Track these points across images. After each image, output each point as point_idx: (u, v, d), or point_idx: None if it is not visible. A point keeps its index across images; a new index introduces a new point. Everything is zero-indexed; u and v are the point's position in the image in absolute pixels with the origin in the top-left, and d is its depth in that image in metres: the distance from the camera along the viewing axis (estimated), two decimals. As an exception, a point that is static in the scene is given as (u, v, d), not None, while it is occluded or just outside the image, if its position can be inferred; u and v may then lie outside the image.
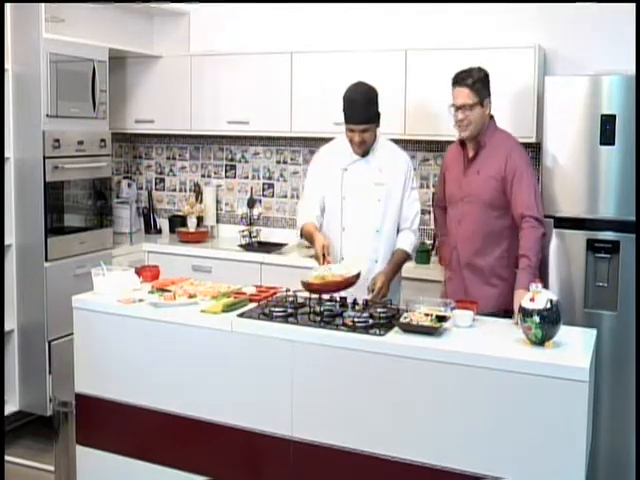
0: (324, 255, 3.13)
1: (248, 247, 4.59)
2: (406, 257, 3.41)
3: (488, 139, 3.23)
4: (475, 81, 3.17)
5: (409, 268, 3.84)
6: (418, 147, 4.46)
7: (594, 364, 2.59)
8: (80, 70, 4.22)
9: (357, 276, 3.00)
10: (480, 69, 3.23)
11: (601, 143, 3.48)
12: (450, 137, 4.13)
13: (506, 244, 3.21)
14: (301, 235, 3.44)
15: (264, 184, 5.00)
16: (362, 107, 3.23)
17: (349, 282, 2.97)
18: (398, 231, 3.42)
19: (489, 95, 3.23)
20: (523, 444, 2.40)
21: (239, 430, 2.82)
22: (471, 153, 3.27)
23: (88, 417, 3.14)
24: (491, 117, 3.28)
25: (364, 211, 3.33)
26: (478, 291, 3.21)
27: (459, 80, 3.20)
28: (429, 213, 4.45)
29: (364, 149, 3.32)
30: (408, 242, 3.39)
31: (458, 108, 3.19)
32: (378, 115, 3.29)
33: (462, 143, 3.32)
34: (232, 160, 5.10)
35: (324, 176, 3.41)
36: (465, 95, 3.17)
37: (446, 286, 3.43)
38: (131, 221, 5.09)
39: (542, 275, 3.13)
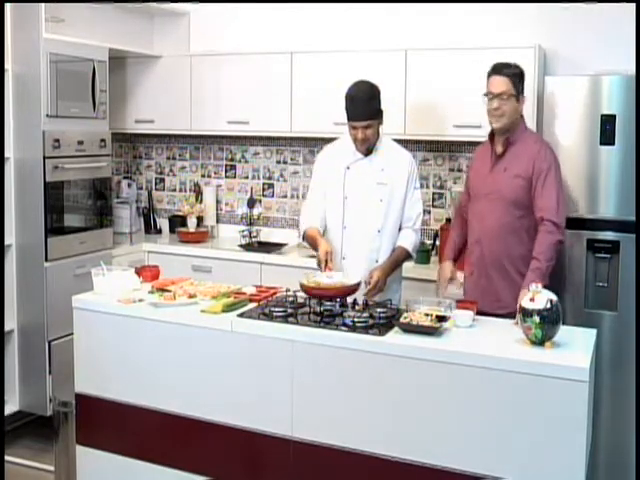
0: (327, 261, 3.12)
1: (248, 247, 4.59)
2: (406, 255, 3.40)
3: (518, 137, 3.20)
4: (514, 73, 3.16)
5: (409, 268, 3.84)
6: (418, 147, 4.46)
7: (594, 364, 2.59)
8: (80, 70, 4.22)
9: (357, 285, 2.99)
10: (517, 65, 3.22)
11: (601, 143, 3.48)
12: (450, 137, 4.16)
13: (530, 244, 3.15)
14: (303, 238, 3.44)
15: (264, 184, 5.00)
16: (364, 103, 3.23)
17: (348, 290, 2.95)
18: (400, 231, 3.42)
19: (523, 92, 3.20)
20: (523, 444, 2.40)
21: (239, 430, 2.82)
22: (500, 150, 3.23)
23: (88, 417, 3.15)
24: (521, 116, 3.25)
25: (366, 210, 3.33)
26: (500, 289, 3.18)
27: (498, 68, 3.18)
28: (429, 213, 4.45)
29: (367, 146, 3.32)
30: (409, 241, 3.39)
31: (495, 96, 3.14)
32: (380, 112, 3.29)
33: (491, 139, 3.27)
34: (232, 160, 5.10)
35: (327, 175, 3.41)
36: (503, 83, 3.14)
37: (466, 285, 3.35)
38: (131, 221, 5.09)
39: (552, 278, 3.08)
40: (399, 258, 3.38)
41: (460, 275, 3.35)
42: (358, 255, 3.31)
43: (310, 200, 3.50)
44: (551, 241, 3.05)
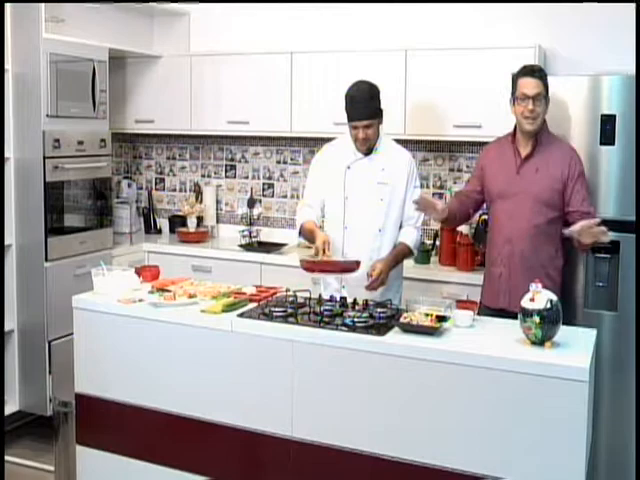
0: (324, 250, 3.12)
1: (248, 247, 4.59)
2: (407, 251, 3.40)
3: (545, 138, 3.23)
4: (544, 76, 3.21)
5: (409, 268, 3.84)
6: (418, 147, 4.46)
7: (594, 364, 2.59)
8: (80, 70, 4.22)
9: (356, 263, 2.99)
10: (541, 67, 3.28)
11: (601, 143, 3.48)
12: (450, 137, 4.16)
13: (558, 245, 3.20)
14: (300, 233, 3.44)
15: (264, 184, 5.01)
16: (364, 103, 3.24)
17: (347, 267, 2.96)
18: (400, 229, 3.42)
19: (549, 93, 3.24)
20: (523, 444, 2.40)
21: (239, 430, 2.82)
22: (527, 150, 3.23)
23: (88, 417, 3.15)
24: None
25: (367, 210, 3.33)
26: (527, 289, 3.15)
27: (530, 71, 3.21)
28: (429, 213, 4.45)
29: (367, 146, 3.32)
30: (410, 237, 3.39)
31: (531, 98, 3.16)
32: (381, 111, 3.29)
33: (513, 139, 3.28)
34: (232, 160, 5.10)
35: (326, 175, 3.41)
36: (537, 85, 3.17)
37: (494, 283, 3.30)
38: (131, 221, 5.09)
39: (553, 281, 3.13)
40: (401, 253, 3.37)
41: (439, 202, 3.24)
42: (359, 255, 3.31)
43: (306, 197, 3.50)
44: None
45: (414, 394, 2.56)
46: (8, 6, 3.93)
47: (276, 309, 2.88)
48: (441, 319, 2.69)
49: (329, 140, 3.63)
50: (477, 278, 3.64)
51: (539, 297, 2.53)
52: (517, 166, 3.24)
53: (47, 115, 3.98)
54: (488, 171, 3.37)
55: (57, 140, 4.03)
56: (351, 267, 3.00)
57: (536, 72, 3.21)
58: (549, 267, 3.20)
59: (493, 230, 3.35)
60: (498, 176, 3.32)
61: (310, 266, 2.93)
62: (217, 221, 5.12)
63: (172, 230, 5.11)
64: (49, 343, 4.04)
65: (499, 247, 3.28)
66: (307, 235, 3.36)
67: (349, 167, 3.35)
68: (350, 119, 3.28)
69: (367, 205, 3.33)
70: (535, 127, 3.20)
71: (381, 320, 2.76)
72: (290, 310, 2.88)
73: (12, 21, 3.96)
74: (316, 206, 3.41)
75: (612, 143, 3.45)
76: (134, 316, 3.01)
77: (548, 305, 2.50)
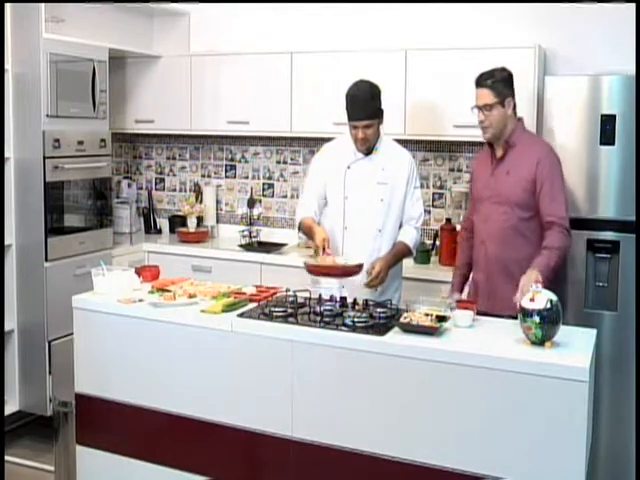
0: (324, 248, 3.12)
1: (248, 247, 4.59)
2: (407, 250, 3.40)
3: (517, 139, 3.19)
4: (495, 81, 3.15)
5: (409, 268, 3.84)
6: (418, 147, 4.46)
7: (594, 364, 2.59)
8: (80, 70, 4.22)
9: (358, 267, 2.99)
10: (503, 69, 3.21)
11: (601, 143, 3.48)
12: (450, 137, 4.16)
13: (535, 245, 3.13)
14: (299, 229, 3.44)
15: (264, 184, 5.01)
16: (364, 103, 3.23)
17: (351, 270, 2.96)
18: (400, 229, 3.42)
19: (512, 95, 3.18)
20: (523, 444, 2.40)
21: (239, 430, 2.82)
22: (500, 153, 3.22)
23: (88, 417, 3.14)
24: (519, 119, 3.24)
25: (366, 210, 3.33)
26: (506, 291, 3.08)
27: (479, 81, 3.19)
28: (429, 213, 4.45)
29: (367, 146, 3.32)
30: (410, 237, 3.39)
31: (479, 109, 3.17)
32: (381, 111, 3.29)
33: (490, 144, 3.27)
34: (232, 160, 5.10)
35: (326, 174, 3.41)
36: (485, 95, 3.15)
37: (477, 288, 3.30)
38: (131, 221, 5.09)
39: (556, 278, 3.07)
40: (400, 252, 3.37)
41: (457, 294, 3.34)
42: (359, 255, 3.31)
43: (305, 195, 3.50)
44: (567, 244, 3.07)
45: (414, 394, 2.56)
46: (8, 6, 3.93)
47: (276, 309, 2.88)
48: (441, 319, 2.69)
49: (329, 140, 3.62)
50: (477, 278, 3.63)
51: (539, 297, 2.53)
52: (492, 169, 3.24)
53: (47, 115, 3.98)
54: (474, 178, 3.41)
55: (57, 140, 4.03)
56: (354, 270, 2.99)
57: (483, 81, 3.17)
58: (526, 267, 3.07)
59: (474, 234, 3.34)
60: (478, 182, 3.34)
61: (314, 269, 2.93)
62: (217, 221, 5.12)
63: (172, 230, 5.11)
64: (49, 343, 4.04)
65: (476, 251, 3.30)
66: (306, 231, 3.36)
67: (349, 167, 3.35)
68: (350, 119, 3.28)
69: (367, 205, 3.33)
70: (489, 135, 3.19)
71: (381, 320, 2.76)
72: (290, 310, 2.88)
73: (12, 21, 3.96)
74: (314, 204, 3.40)
75: (612, 143, 3.45)
76: (134, 316, 3.01)
77: (548, 305, 2.50)
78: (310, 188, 3.48)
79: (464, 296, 3.33)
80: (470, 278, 3.38)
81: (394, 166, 3.36)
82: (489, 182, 3.23)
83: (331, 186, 3.38)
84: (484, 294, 3.20)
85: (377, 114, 3.27)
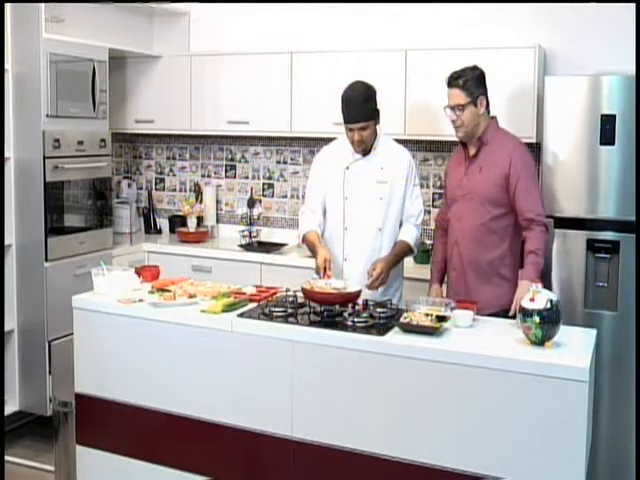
0: (325, 269, 3.11)
1: (248, 247, 4.59)
2: (408, 249, 3.39)
3: (490, 137, 3.21)
4: (466, 80, 3.16)
5: (409, 268, 3.84)
6: (418, 147, 4.46)
7: (594, 364, 2.59)
8: (80, 70, 4.22)
9: (357, 293, 2.96)
10: (474, 68, 3.21)
11: (601, 143, 3.48)
12: (450, 137, 4.15)
13: (508, 243, 3.19)
14: (303, 241, 3.44)
15: (264, 184, 5.01)
16: (359, 106, 3.24)
17: (349, 297, 2.93)
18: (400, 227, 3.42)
19: (484, 94, 3.19)
20: (523, 444, 2.40)
21: (239, 430, 2.82)
22: (473, 151, 3.25)
23: (88, 417, 3.14)
24: (493, 117, 3.26)
25: (366, 210, 3.33)
26: (480, 290, 3.18)
27: (450, 81, 3.20)
28: (429, 213, 4.45)
29: (364, 148, 3.32)
30: (410, 235, 3.39)
31: (451, 109, 3.19)
32: (377, 112, 3.29)
33: (463, 143, 3.30)
34: (232, 160, 5.10)
35: (326, 176, 3.41)
36: (456, 95, 3.17)
37: (448, 286, 3.39)
38: (131, 221, 5.09)
39: (544, 276, 3.14)
40: (401, 252, 3.37)
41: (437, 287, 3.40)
42: (360, 255, 3.32)
43: (308, 202, 3.48)
44: (546, 238, 3.11)
45: (414, 394, 2.56)
46: (8, 6, 3.93)
47: (276, 309, 2.88)
48: (441, 319, 2.69)
49: (329, 140, 3.62)
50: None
51: (539, 297, 2.53)
52: (465, 167, 3.26)
53: (47, 115, 3.98)
54: (448, 178, 3.43)
55: (57, 140, 4.03)
56: (352, 297, 2.95)
57: (454, 80, 3.18)
58: (500, 266, 3.18)
59: (448, 234, 3.36)
60: (452, 180, 3.36)
61: (311, 295, 2.90)
62: (217, 221, 5.12)
63: (172, 230, 5.11)
64: (49, 343, 4.04)
65: (450, 250, 3.32)
66: (309, 247, 3.36)
67: (347, 168, 3.35)
68: (345, 122, 3.28)
69: (366, 204, 3.33)
70: (462, 134, 3.22)
71: (381, 320, 2.76)
72: (290, 310, 2.88)
73: (12, 21, 3.96)
74: (318, 210, 3.40)
75: (612, 143, 3.45)
76: (134, 316, 3.01)
77: (548, 305, 2.50)
78: (312, 192, 3.47)
79: (444, 287, 3.38)
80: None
81: (393, 165, 3.36)
82: (462, 181, 3.25)
83: (331, 188, 3.38)
84: (459, 294, 3.20)
85: (372, 115, 3.27)
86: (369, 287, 3.17)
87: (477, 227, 3.19)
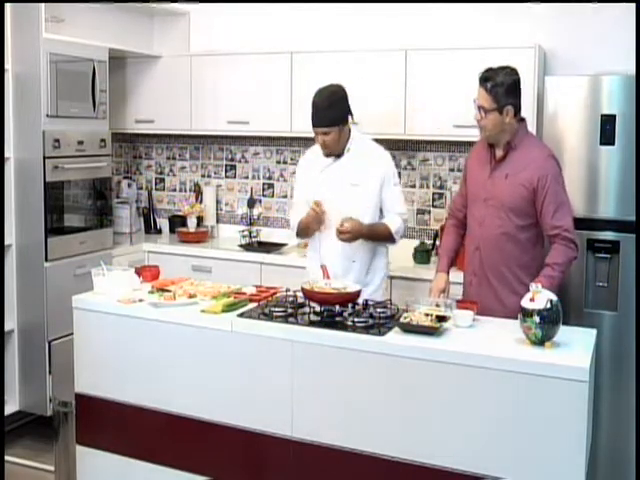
0: (318, 209, 3.25)
1: (248, 247, 4.59)
2: (386, 233, 3.37)
3: (519, 142, 3.05)
4: (495, 85, 2.98)
5: (409, 268, 3.84)
6: (418, 147, 4.46)
7: (594, 364, 2.59)
8: (80, 70, 4.22)
9: (357, 293, 2.96)
10: (509, 71, 3.03)
11: (601, 143, 3.48)
12: (450, 137, 4.16)
13: (532, 253, 3.07)
14: (297, 234, 3.51)
15: (264, 184, 5.01)
16: (322, 111, 3.28)
17: (349, 297, 2.93)
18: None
19: (513, 103, 3.00)
20: (523, 444, 2.40)
21: (239, 430, 2.82)
22: (500, 153, 3.09)
23: (88, 417, 3.14)
24: (522, 119, 3.09)
25: (341, 212, 3.31)
26: (507, 299, 3.06)
27: (480, 79, 3.04)
28: (428, 213, 4.46)
29: (328, 152, 3.37)
30: (393, 222, 3.39)
31: (476, 107, 3.04)
32: (343, 117, 3.30)
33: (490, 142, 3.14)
34: (232, 160, 5.10)
35: (305, 181, 3.49)
36: (482, 97, 3.02)
37: (467, 290, 3.26)
38: (131, 221, 5.09)
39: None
40: (378, 229, 3.37)
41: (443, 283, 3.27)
42: (335, 257, 3.35)
43: (294, 205, 3.59)
44: (570, 256, 2.98)
45: (414, 394, 2.56)
46: (8, 6, 3.93)
47: (276, 309, 2.88)
48: (441, 319, 2.69)
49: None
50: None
51: (539, 297, 2.53)
52: (490, 170, 3.12)
53: (47, 115, 3.98)
54: (469, 172, 3.28)
55: (57, 140, 4.03)
56: (352, 297, 2.95)
57: (484, 81, 3.01)
58: (523, 275, 3.05)
59: (467, 236, 3.27)
60: (474, 179, 3.21)
61: (311, 295, 2.90)
62: (217, 221, 5.12)
63: (172, 230, 5.11)
64: (49, 343, 4.04)
65: (470, 255, 3.22)
66: (302, 227, 3.43)
67: (322, 171, 3.40)
68: (312, 125, 3.32)
69: (341, 207, 3.32)
70: (485, 136, 3.09)
71: (381, 320, 2.76)
72: (290, 310, 2.88)
73: (12, 21, 3.96)
74: (304, 210, 3.44)
75: (612, 143, 3.46)
76: (134, 316, 3.01)
77: (548, 305, 2.50)
78: (296, 197, 3.58)
79: (451, 278, 3.29)
80: (461, 279, 3.35)
81: (368, 167, 3.37)
82: (486, 184, 3.12)
83: (309, 191, 3.43)
84: (487, 300, 3.09)
85: (335, 121, 3.28)
86: (337, 236, 3.26)
87: (499, 236, 3.07)
